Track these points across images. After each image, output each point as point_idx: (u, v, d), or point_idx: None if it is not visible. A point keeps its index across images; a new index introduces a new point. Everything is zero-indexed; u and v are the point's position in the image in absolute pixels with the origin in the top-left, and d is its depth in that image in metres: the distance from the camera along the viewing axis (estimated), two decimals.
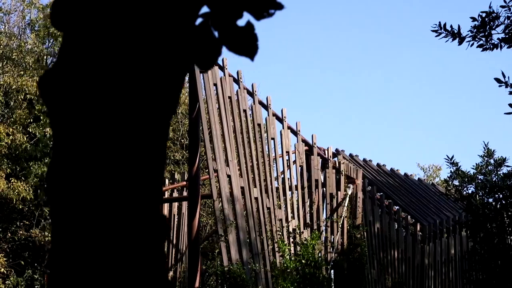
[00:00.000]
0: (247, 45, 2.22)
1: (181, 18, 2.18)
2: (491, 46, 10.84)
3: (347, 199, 18.81)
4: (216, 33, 2.27)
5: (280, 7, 2.21)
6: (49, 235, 27.56)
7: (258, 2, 2.17)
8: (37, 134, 27.33)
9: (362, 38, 67.73)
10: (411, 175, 26.21)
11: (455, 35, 10.78)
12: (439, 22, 10.77)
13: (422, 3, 67.81)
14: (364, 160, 24.84)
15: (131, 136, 2.17)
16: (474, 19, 10.67)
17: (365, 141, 63.62)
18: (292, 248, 17.36)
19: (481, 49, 10.82)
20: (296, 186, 18.29)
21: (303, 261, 16.82)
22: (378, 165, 24.99)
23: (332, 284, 17.97)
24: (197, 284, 17.85)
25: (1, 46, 29.69)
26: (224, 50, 2.33)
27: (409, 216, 22.32)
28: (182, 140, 31.53)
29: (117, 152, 2.17)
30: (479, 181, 16.58)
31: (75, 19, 2.22)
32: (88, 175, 2.17)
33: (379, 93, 67.44)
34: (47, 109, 2.31)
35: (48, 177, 2.25)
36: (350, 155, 24.53)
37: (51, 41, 30.33)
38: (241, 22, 2.25)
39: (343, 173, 18.97)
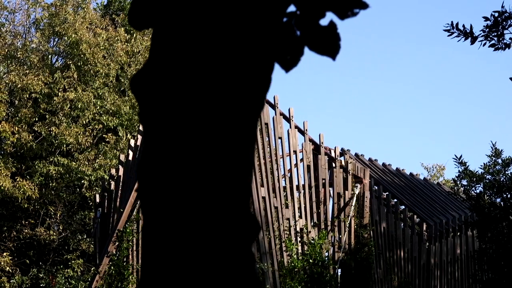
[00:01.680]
0: (329, 45, 2.20)
1: (269, 17, 2.17)
2: (503, 46, 10.82)
3: (355, 198, 18.80)
4: (298, 33, 2.25)
5: (364, 6, 2.19)
6: (54, 233, 27.55)
7: (343, 2, 2.15)
8: (42, 132, 27.32)
9: (369, 38, 67.72)
10: (416, 174, 26.19)
11: (468, 34, 10.76)
12: (451, 22, 10.77)
13: (427, 3, 67.80)
14: (370, 159, 24.82)
15: (220, 134, 2.17)
16: (486, 18, 10.66)
17: (368, 140, 63.62)
18: (299, 248, 17.36)
19: (493, 48, 10.81)
20: (304, 186, 18.28)
21: (310, 260, 16.82)
22: (383, 164, 24.97)
23: (339, 284, 17.97)
24: None
25: (6, 45, 29.67)
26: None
27: (415, 216, 22.31)
28: None
29: (207, 150, 2.16)
30: (487, 180, 16.58)
31: (161, 19, 2.21)
32: (178, 173, 2.16)
33: (381, 93, 67.42)
34: (138, 107, 2.30)
35: (139, 175, 2.24)
36: (356, 154, 24.51)
37: (56, 39, 30.31)
38: (323, 22, 2.23)
39: (351, 173, 18.96)
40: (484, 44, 10.71)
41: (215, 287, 2.15)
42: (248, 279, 2.19)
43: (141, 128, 19.21)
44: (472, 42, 10.73)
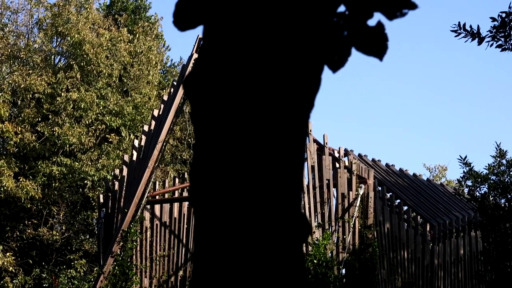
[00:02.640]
0: (376, 45, 2.20)
1: (321, 17, 2.17)
2: (510, 47, 10.81)
3: (359, 199, 18.80)
4: (344, 33, 2.25)
5: (413, 6, 2.19)
6: (57, 234, 27.55)
7: (392, 2, 2.15)
8: (45, 133, 27.33)
9: None
10: (419, 175, 26.19)
11: (475, 35, 10.76)
12: (459, 22, 10.77)
13: (432, 2, 67.80)
14: (373, 160, 24.81)
15: (272, 134, 2.17)
16: (493, 19, 10.65)
17: (369, 141, 63.63)
18: (304, 248, 17.36)
19: (500, 49, 10.80)
20: (308, 186, 18.27)
21: (314, 261, 16.81)
22: (387, 165, 24.96)
23: (344, 284, 17.96)
24: None
25: (9, 45, 29.69)
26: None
27: (418, 217, 22.30)
28: (190, 140, 31.52)
29: (259, 150, 2.16)
30: (492, 181, 16.57)
31: (212, 19, 2.21)
32: (230, 173, 2.16)
33: (382, 94, 67.42)
34: (190, 108, 2.30)
35: (191, 175, 2.24)
36: (359, 155, 24.50)
37: (59, 40, 30.32)
38: (370, 22, 2.23)
39: (355, 173, 18.96)
40: (491, 45, 10.71)
41: (266, 286, 2.15)
42: (298, 279, 2.19)
43: (145, 128, 19.20)
44: (479, 43, 10.73)
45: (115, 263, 16.92)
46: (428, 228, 21.90)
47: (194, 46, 18.42)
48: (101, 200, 19.37)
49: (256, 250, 2.19)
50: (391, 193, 21.75)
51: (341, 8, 2.26)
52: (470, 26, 10.83)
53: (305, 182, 18.34)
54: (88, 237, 28.23)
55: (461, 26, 10.79)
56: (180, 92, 18.16)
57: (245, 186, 2.18)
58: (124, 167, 19.03)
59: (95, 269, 25.40)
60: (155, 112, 19.15)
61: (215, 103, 2.21)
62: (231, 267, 2.19)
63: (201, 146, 2.24)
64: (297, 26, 2.17)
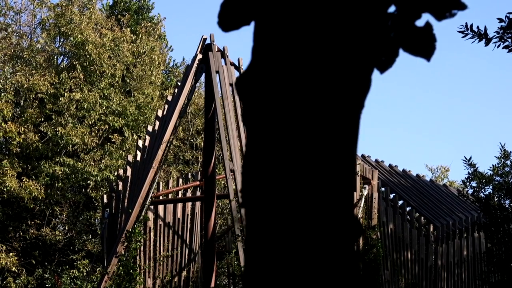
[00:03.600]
0: (424, 46, 2.20)
1: (372, 18, 2.17)
2: None
3: (363, 199, 18.79)
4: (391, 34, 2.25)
5: (463, 7, 2.19)
6: (59, 234, 27.53)
7: (442, 2, 2.15)
8: (48, 133, 27.33)
9: None
10: (423, 176, 26.19)
11: (482, 36, 10.75)
12: (466, 23, 10.76)
13: None
14: (376, 160, 24.82)
15: (324, 135, 2.17)
16: (501, 20, 10.64)
17: (373, 142, 63.62)
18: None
19: (507, 50, 10.78)
20: None
21: None
22: (390, 166, 24.97)
23: None
24: (212, 284, 17.83)
25: (12, 45, 29.69)
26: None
27: (422, 217, 22.30)
28: (192, 140, 31.51)
29: (312, 151, 2.16)
30: (496, 182, 16.57)
31: (263, 20, 2.21)
32: (283, 174, 2.16)
33: (386, 95, 67.41)
34: (242, 109, 2.30)
35: (243, 176, 2.24)
36: (362, 155, 24.51)
37: (62, 40, 30.32)
38: (418, 23, 2.23)
39: (359, 174, 18.95)
40: (499, 46, 10.69)
41: (319, 287, 2.15)
42: (351, 280, 2.19)
43: (149, 128, 19.20)
44: (486, 44, 10.72)
45: (119, 263, 16.92)
46: (431, 229, 21.90)
47: (198, 46, 18.41)
48: (105, 200, 19.36)
49: (309, 251, 2.19)
50: (394, 194, 21.75)
51: (390, 9, 2.25)
52: (477, 27, 10.82)
53: None
54: (90, 237, 28.23)
55: (468, 27, 10.78)
56: (184, 92, 18.16)
57: (298, 186, 2.18)
58: (128, 167, 19.03)
59: (97, 269, 25.40)
60: (159, 113, 19.16)
61: (268, 104, 2.21)
62: (284, 268, 2.18)
63: (253, 147, 2.23)
64: (350, 26, 2.17)
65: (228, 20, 2.28)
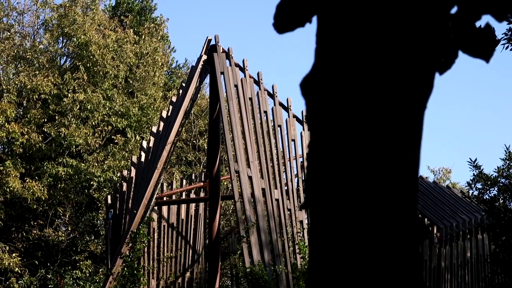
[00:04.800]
0: (484, 47, 2.19)
1: (435, 19, 2.16)
2: None
3: None
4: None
5: None
6: (62, 234, 27.50)
7: (503, 3, 2.14)
8: (51, 133, 27.31)
9: None
10: (426, 177, 26.18)
11: None
12: None
13: None
14: None
15: (388, 136, 2.17)
16: (509, 22, 10.64)
17: None
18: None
19: None
20: None
21: None
22: None
23: None
24: (217, 285, 17.82)
25: (15, 46, 29.68)
26: None
27: (425, 219, 22.28)
28: (194, 141, 31.51)
29: (376, 152, 2.16)
30: (501, 184, 16.56)
31: (326, 22, 2.21)
32: (348, 176, 2.16)
33: None
34: (306, 110, 2.30)
35: (307, 177, 2.24)
36: None
37: (65, 41, 30.31)
38: (478, 24, 2.22)
39: None
40: (507, 48, 10.68)
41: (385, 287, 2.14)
42: (415, 281, 2.19)
43: (153, 129, 19.18)
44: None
45: (123, 264, 16.92)
46: (435, 231, 21.89)
47: (203, 47, 18.41)
48: (109, 201, 19.36)
49: (374, 252, 2.18)
50: None
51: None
52: None
53: None
54: (93, 238, 28.22)
55: None
56: (189, 93, 18.16)
57: (363, 187, 2.18)
58: (132, 168, 19.02)
59: (100, 270, 25.39)
60: (164, 114, 19.15)
61: (333, 105, 2.21)
62: (349, 268, 2.18)
63: (318, 147, 2.23)
64: (415, 26, 2.17)
65: (284, 21, 2.28)
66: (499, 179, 16.65)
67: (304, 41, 66.61)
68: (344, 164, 2.19)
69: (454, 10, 2.25)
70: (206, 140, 30.18)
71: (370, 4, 2.17)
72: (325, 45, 2.26)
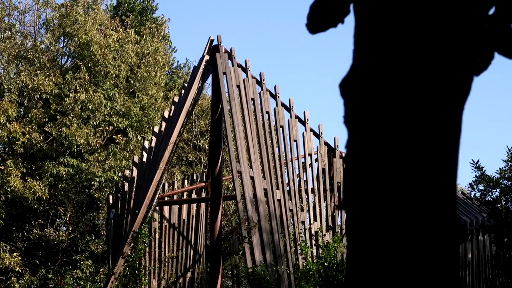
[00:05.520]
0: None
1: (474, 20, 2.16)
2: None
3: None
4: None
5: None
6: (63, 234, 27.51)
7: None
8: (53, 133, 27.31)
9: None
10: None
11: None
12: None
13: None
14: None
15: (428, 138, 2.17)
16: None
17: None
18: (314, 251, 17.33)
19: None
20: (319, 189, 18.26)
21: (325, 263, 16.78)
22: None
23: None
24: (218, 286, 17.82)
25: (16, 45, 29.68)
26: None
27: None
28: (195, 141, 31.52)
29: (415, 153, 2.15)
30: (503, 186, 16.55)
31: (365, 28, 2.21)
32: (387, 177, 2.16)
33: None
34: (344, 110, 2.30)
35: (345, 178, 2.24)
36: None
37: (66, 40, 30.31)
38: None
39: None
40: None
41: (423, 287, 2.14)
42: (454, 281, 2.19)
43: (155, 129, 19.18)
44: None
45: (125, 264, 16.92)
46: None
47: (206, 47, 18.41)
48: (111, 201, 19.35)
49: (413, 253, 2.18)
50: None
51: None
52: None
53: (316, 185, 18.33)
54: (94, 237, 28.21)
55: None
56: (191, 93, 18.16)
57: (403, 189, 2.17)
58: (134, 168, 19.02)
59: (101, 270, 25.38)
60: (166, 114, 19.15)
61: (373, 106, 2.21)
62: (389, 269, 2.18)
63: (357, 149, 2.23)
64: (453, 28, 2.17)
65: (317, 21, 2.27)
66: (501, 180, 16.64)
67: (305, 41, 66.64)
68: (384, 165, 2.19)
69: (491, 11, 2.26)
70: (207, 140, 30.17)
71: (408, 6, 2.17)
72: (363, 47, 2.26)
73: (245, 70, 18.15)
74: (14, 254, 25.67)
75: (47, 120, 27.63)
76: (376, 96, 2.21)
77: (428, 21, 2.18)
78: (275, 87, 18.55)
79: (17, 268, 25.47)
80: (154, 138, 18.87)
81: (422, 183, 2.19)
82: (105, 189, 27.42)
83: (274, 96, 18.39)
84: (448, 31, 2.18)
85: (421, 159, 2.18)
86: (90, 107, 27.50)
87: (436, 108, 2.19)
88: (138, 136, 28.66)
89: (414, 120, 2.18)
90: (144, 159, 18.75)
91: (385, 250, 2.19)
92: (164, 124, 18.80)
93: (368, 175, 2.20)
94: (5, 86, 28.23)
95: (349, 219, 2.25)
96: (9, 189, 25.86)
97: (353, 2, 2.24)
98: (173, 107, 18.85)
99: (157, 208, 18.93)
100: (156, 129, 19.21)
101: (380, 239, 2.19)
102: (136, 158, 19.40)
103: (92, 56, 28.48)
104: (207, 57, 18.28)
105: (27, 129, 26.70)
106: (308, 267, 16.55)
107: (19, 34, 30.59)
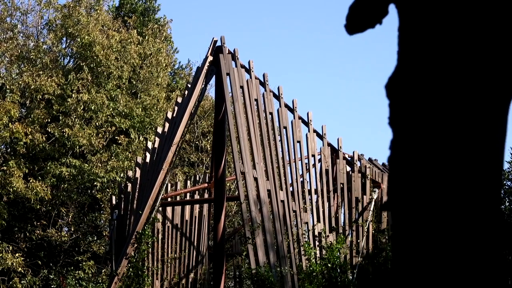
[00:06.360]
0: None
1: None
2: None
3: (373, 203, 18.77)
4: None
5: None
6: (65, 235, 27.51)
7: None
8: (55, 134, 27.31)
9: (383, 42, 67.75)
10: None
11: None
12: None
13: None
14: (384, 164, 24.78)
15: (472, 138, 2.17)
16: None
17: (379, 145, 63.61)
18: (317, 252, 17.33)
19: None
20: (322, 190, 18.26)
21: (328, 264, 16.78)
22: None
23: None
24: (221, 287, 17.82)
25: (18, 46, 29.69)
26: None
27: None
28: (197, 142, 31.52)
29: (463, 152, 2.16)
30: (506, 187, 16.57)
31: (410, 29, 2.22)
32: (434, 176, 2.16)
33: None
34: (390, 111, 2.31)
35: (390, 177, 2.24)
36: (369, 159, 24.46)
37: (68, 41, 30.32)
38: None
39: (369, 177, 18.93)
40: None
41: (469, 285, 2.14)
42: (500, 278, 2.19)
43: (159, 130, 19.18)
44: None
45: (129, 265, 16.92)
46: None
47: (209, 48, 18.42)
48: (114, 202, 19.35)
49: (459, 252, 2.18)
50: None
51: None
52: None
53: (319, 186, 18.32)
54: (96, 238, 28.21)
55: None
56: (195, 94, 18.16)
57: (449, 188, 2.17)
58: (137, 168, 19.02)
59: (103, 270, 25.38)
60: (169, 114, 19.16)
61: (419, 106, 2.21)
62: (435, 267, 2.18)
63: (402, 149, 2.23)
64: (499, 30, 2.18)
65: (356, 22, 2.28)
66: (504, 181, 16.66)
67: (308, 42, 66.67)
68: (430, 165, 2.19)
69: None
70: (209, 141, 30.16)
71: (455, 7, 2.18)
72: (409, 48, 2.27)
73: (248, 71, 18.15)
74: (17, 254, 25.67)
75: (49, 120, 27.63)
76: (424, 97, 2.22)
77: (472, 22, 2.19)
78: (278, 88, 18.55)
79: (19, 269, 25.47)
80: (157, 139, 18.87)
81: (469, 181, 2.19)
82: (107, 189, 27.42)
83: (277, 97, 18.39)
84: (493, 30, 2.18)
85: (468, 158, 2.19)
86: (92, 107, 27.50)
87: (482, 107, 2.20)
88: (141, 137, 28.66)
89: (461, 120, 2.19)
90: (147, 159, 18.75)
91: (433, 251, 2.19)
92: (167, 124, 18.81)
93: (414, 176, 2.20)
94: (7, 87, 28.23)
95: (394, 219, 2.25)
96: (11, 189, 25.86)
97: (395, 3, 2.25)
98: (176, 108, 18.86)
99: (160, 209, 18.93)
100: (159, 129, 19.21)
101: (427, 240, 2.19)
102: (138, 159, 19.41)
103: (95, 57, 28.48)
104: (210, 58, 18.29)
105: (29, 129, 26.70)
106: (311, 268, 16.55)
107: (21, 34, 30.62)
